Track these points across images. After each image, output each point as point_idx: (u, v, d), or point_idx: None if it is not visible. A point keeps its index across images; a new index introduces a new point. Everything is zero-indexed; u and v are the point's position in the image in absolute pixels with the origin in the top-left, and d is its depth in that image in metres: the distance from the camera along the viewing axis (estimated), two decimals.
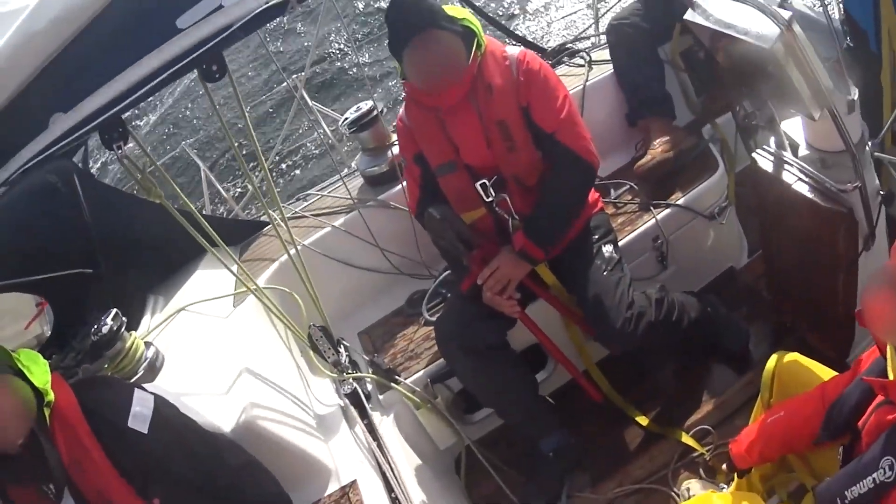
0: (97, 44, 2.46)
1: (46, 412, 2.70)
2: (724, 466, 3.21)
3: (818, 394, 2.53)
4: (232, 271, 4.00)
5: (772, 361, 2.90)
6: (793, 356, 2.88)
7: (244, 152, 5.39)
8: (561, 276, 3.73)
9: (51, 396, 2.72)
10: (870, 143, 3.09)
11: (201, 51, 2.57)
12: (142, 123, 15.58)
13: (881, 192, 3.13)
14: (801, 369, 2.83)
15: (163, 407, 2.93)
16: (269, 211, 4.08)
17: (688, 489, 3.57)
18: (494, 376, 3.76)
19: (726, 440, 3.45)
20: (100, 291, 4.30)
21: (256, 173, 3.94)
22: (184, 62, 2.57)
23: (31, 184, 3.97)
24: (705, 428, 3.81)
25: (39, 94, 2.44)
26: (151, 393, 2.96)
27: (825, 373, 2.75)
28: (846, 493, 2.08)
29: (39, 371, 2.75)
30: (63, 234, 4.27)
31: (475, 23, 3.39)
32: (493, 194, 3.53)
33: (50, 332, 4.52)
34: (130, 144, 2.95)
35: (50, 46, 2.39)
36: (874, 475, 1.99)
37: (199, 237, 3.47)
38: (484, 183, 3.52)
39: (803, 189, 3.17)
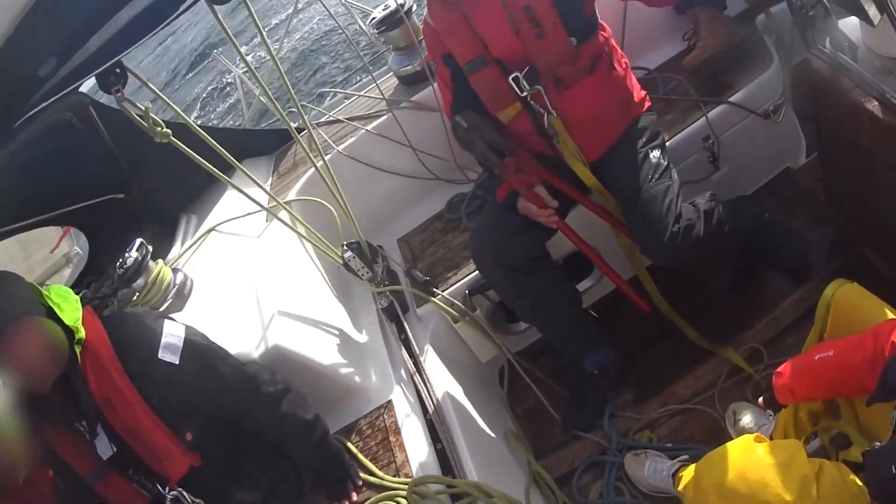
0: None
1: (77, 350, 2.62)
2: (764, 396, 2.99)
3: (870, 342, 2.25)
4: (263, 188, 3.81)
5: (829, 290, 2.62)
6: (852, 287, 2.58)
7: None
8: (604, 181, 3.46)
9: (81, 334, 2.63)
10: None
11: None
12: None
13: None
14: (860, 303, 2.54)
15: (194, 336, 2.85)
16: (300, 118, 3.89)
17: (734, 412, 3.39)
18: (533, 292, 3.57)
19: (777, 360, 3.32)
20: (133, 215, 4.34)
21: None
22: None
23: (45, 125, 3.91)
24: (755, 346, 3.60)
25: (30, 38, 2.23)
26: (182, 323, 2.87)
27: (887, 313, 2.46)
28: None
29: (70, 308, 2.65)
30: (89, 165, 4.24)
31: None
32: (528, 87, 3.26)
33: (86, 259, 4.57)
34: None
35: None
36: None
37: (225, 153, 3.36)
38: (517, 76, 3.25)
39: (861, 98, 2.82)
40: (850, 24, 2.95)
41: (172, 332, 2.78)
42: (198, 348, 2.84)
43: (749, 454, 2.37)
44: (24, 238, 5.59)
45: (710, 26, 4.02)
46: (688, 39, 4.21)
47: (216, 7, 2.79)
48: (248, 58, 3.61)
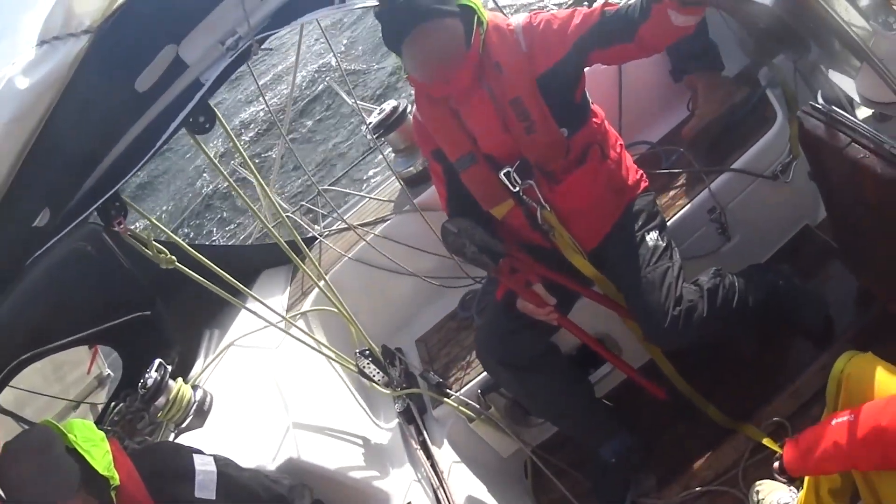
0: (68, 130, 2.25)
1: (113, 494, 2.64)
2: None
3: (892, 409, 2.04)
4: (267, 305, 3.79)
5: (839, 364, 2.41)
6: (864, 359, 2.37)
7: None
8: (604, 269, 3.39)
9: (116, 480, 2.65)
10: None
11: (184, 113, 2.49)
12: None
13: None
14: (874, 375, 2.31)
15: (225, 468, 2.91)
16: (303, 234, 3.93)
17: (757, 492, 3.17)
18: (541, 388, 3.48)
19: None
20: (161, 331, 4.46)
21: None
22: (171, 128, 2.50)
23: (61, 255, 4.01)
24: (779, 421, 3.37)
25: (24, 190, 2.26)
26: (210, 455, 2.93)
27: None
28: None
29: (100, 454, 2.66)
30: (112, 286, 4.37)
31: (474, 0, 3.04)
32: (519, 182, 3.20)
33: (122, 374, 4.77)
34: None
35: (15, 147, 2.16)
36: None
37: (228, 278, 3.37)
38: (508, 171, 3.19)
39: (859, 154, 2.63)
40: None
41: (204, 469, 2.82)
42: (231, 478, 2.89)
43: None
44: (56, 359, 5.70)
45: (708, 91, 3.90)
46: (690, 108, 4.08)
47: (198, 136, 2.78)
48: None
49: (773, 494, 3.08)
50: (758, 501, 3.12)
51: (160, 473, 2.78)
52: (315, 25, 4.60)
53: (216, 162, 3.33)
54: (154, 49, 2.31)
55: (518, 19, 3.11)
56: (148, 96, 2.41)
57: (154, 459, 2.88)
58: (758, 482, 3.18)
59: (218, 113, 2.72)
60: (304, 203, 5.68)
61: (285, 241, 3.59)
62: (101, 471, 2.59)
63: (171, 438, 3.74)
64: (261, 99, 14.17)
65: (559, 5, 5.29)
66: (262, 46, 2.56)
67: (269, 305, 3.73)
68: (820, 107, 2.82)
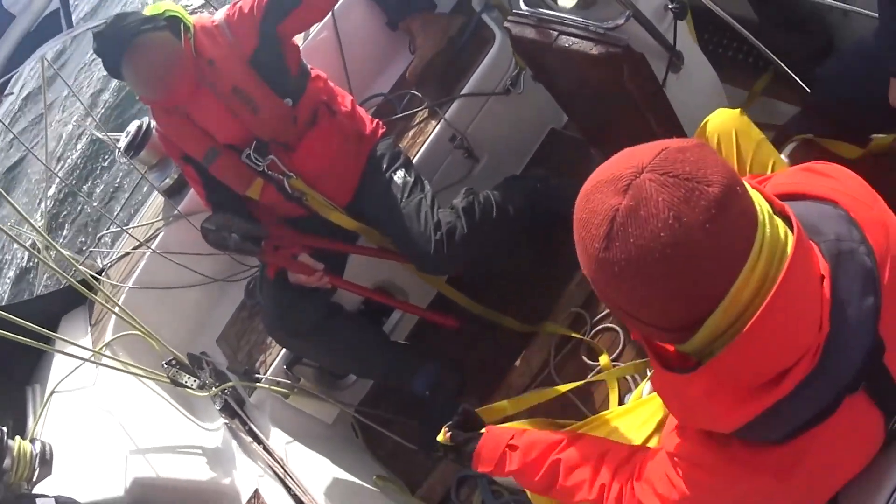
0: None
1: None
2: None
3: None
4: (69, 341, 3.74)
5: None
6: (732, 114, 2.19)
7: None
8: (366, 219, 3.46)
9: None
10: None
11: None
12: None
13: (670, 6, 2.54)
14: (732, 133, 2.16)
15: None
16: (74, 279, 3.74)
17: None
18: (334, 346, 3.52)
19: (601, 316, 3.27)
20: None
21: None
22: None
23: None
24: (574, 311, 3.45)
25: None
26: (51, 497, 2.89)
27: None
28: None
29: None
30: None
31: (177, 9, 3.11)
32: (261, 159, 3.26)
33: None
34: None
35: None
36: None
37: (31, 325, 3.17)
38: (248, 153, 3.26)
39: (568, 43, 2.65)
40: None
41: None
42: None
43: None
44: None
45: (424, 31, 3.92)
46: (412, 51, 4.07)
47: None
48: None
49: None
50: None
51: None
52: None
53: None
54: None
55: (221, 13, 3.18)
56: None
57: None
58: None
59: None
60: (93, 249, 5.48)
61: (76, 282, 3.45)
62: None
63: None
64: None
65: None
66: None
67: (78, 344, 3.67)
68: (524, 11, 2.83)
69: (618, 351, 3.23)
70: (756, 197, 1.22)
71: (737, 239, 1.14)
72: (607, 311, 3.07)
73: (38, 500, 2.85)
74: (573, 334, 3.35)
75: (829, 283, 1.23)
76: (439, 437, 2.33)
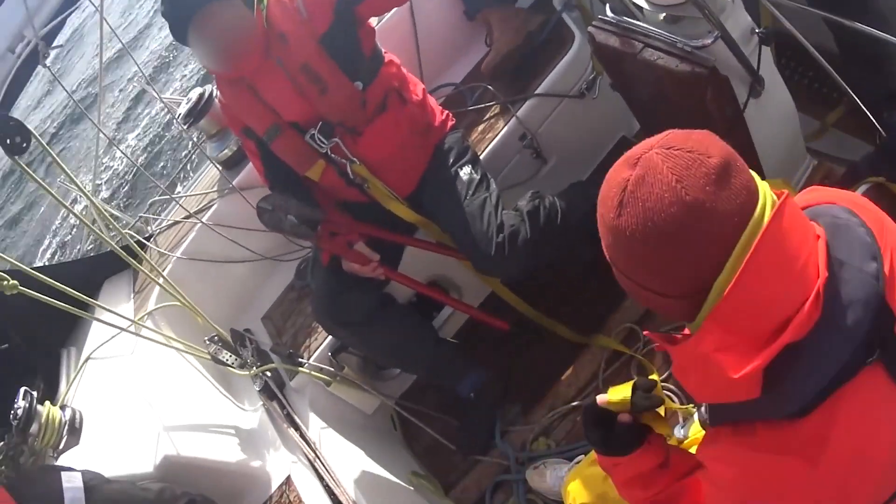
0: None
1: None
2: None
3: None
4: (112, 311, 3.60)
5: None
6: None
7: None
8: (425, 212, 3.37)
9: None
10: None
11: None
12: None
13: (758, 31, 2.53)
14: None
15: (92, 481, 2.79)
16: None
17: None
18: (383, 339, 3.45)
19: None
20: (22, 361, 4.21)
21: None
22: None
23: None
24: (629, 326, 3.39)
25: None
26: (77, 471, 2.81)
27: None
28: None
29: None
30: None
31: None
32: (325, 142, 3.18)
33: None
34: None
35: None
36: None
37: (74, 293, 3.11)
38: (313, 134, 3.17)
39: (654, 57, 2.58)
40: None
41: (71, 486, 2.71)
42: (98, 491, 2.76)
43: None
44: None
45: (502, 25, 3.84)
46: (488, 44, 4.01)
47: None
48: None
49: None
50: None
51: (32, 498, 2.66)
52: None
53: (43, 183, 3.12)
54: None
55: None
56: None
57: (25, 485, 2.76)
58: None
59: (33, 132, 2.60)
60: (142, 214, 5.45)
61: (120, 247, 3.44)
62: None
63: (53, 461, 3.56)
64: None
65: None
66: (52, 45, 2.50)
67: (117, 312, 3.58)
68: (609, 18, 2.75)
69: (669, 371, 3.15)
70: (758, 179, 1.32)
71: (736, 204, 1.24)
72: (663, 324, 2.99)
73: (63, 473, 2.77)
74: (626, 349, 3.30)
75: (825, 242, 1.31)
76: (606, 396, 1.83)
